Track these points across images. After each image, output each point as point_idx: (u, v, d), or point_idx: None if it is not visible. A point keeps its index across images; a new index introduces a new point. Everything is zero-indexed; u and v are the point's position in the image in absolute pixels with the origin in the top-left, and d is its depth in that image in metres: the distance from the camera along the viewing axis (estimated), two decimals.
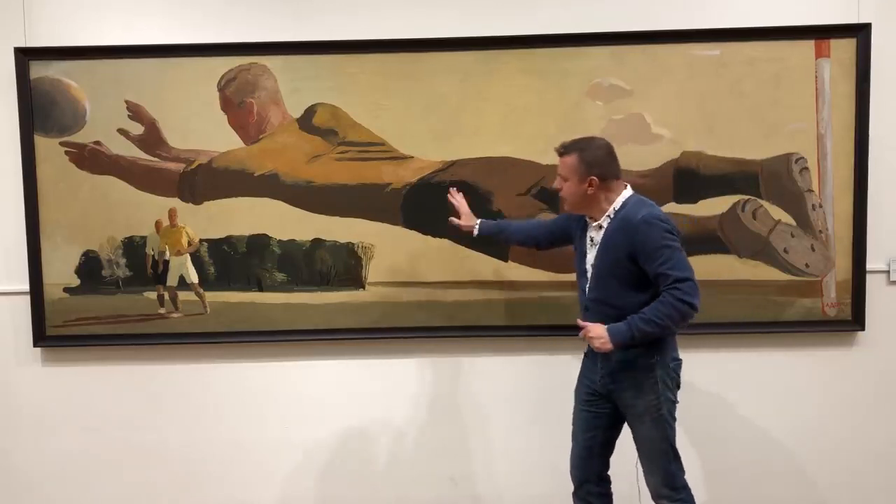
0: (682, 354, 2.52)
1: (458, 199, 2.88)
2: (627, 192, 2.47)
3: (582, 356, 2.66)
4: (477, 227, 2.83)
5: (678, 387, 2.49)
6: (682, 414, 3.13)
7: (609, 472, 2.66)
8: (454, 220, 2.86)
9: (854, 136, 2.99)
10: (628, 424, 2.54)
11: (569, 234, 2.64)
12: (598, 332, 2.37)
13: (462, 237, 3.01)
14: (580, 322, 2.46)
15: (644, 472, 2.53)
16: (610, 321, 2.39)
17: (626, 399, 2.48)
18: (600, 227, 2.46)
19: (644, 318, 2.32)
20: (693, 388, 3.14)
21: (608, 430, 2.60)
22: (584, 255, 2.53)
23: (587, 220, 2.53)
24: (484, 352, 3.14)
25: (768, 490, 3.17)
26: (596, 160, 2.42)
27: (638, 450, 2.54)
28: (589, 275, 2.50)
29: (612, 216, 2.44)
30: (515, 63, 3.01)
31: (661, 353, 2.43)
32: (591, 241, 2.50)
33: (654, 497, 2.53)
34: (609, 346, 2.36)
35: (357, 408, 3.18)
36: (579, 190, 2.44)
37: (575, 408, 2.65)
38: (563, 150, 2.48)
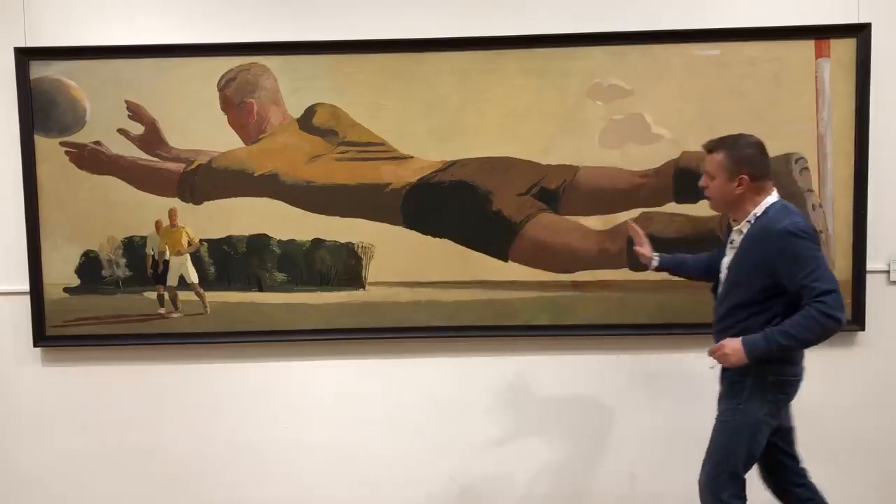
0: (681, 354, 2.52)
1: (638, 229, 2.77)
2: (773, 196, 2.37)
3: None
4: (657, 258, 2.72)
5: (774, 404, 2.37)
6: (682, 413, 3.14)
7: (805, 477, 2.59)
8: (638, 248, 2.74)
9: (854, 136, 2.99)
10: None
11: None
12: (734, 346, 2.28)
13: (462, 237, 3.02)
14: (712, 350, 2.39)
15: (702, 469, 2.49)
16: (733, 330, 2.34)
17: (719, 398, 2.47)
18: (740, 231, 2.38)
19: (783, 332, 2.22)
20: (693, 388, 3.14)
21: (769, 443, 2.47)
22: (722, 258, 2.47)
23: (731, 222, 2.48)
24: (484, 352, 3.13)
25: (768, 490, 3.16)
26: (747, 158, 2.33)
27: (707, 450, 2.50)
28: (722, 278, 2.44)
29: (752, 221, 2.35)
30: (515, 63, 3.01)
31: (767, 363, 2.32)
32: (731, 243, 2.43)
33: (700, 492, 2.51)
34: (745, 359, 2.27)
35: (357, 408, 3.18)
36: (727, 188, 2.35)
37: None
38: (710, 148, 2.39)
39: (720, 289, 2.46)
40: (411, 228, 3.07)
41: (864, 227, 3.02)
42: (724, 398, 2.45)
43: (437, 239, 3.07)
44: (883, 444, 3.15)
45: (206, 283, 3.13)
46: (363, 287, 3.10)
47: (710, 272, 2.61)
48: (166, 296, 3.13)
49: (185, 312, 3.13)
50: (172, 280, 3.13)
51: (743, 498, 2.45)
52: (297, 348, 3.15)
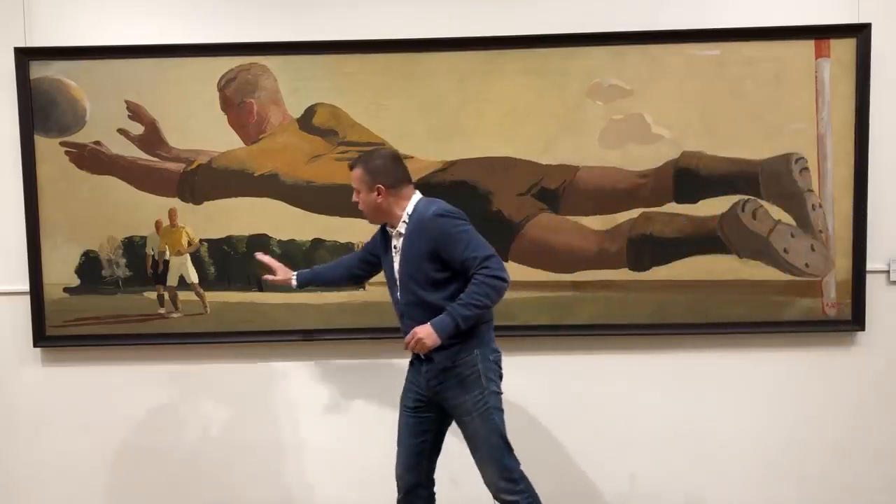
0: (681, 354, 2.52)
1: (266, 258, 2.81)
2: (417, 196, 2.52)
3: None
4: (294, 278, 2.78)
5: (501, 378, 2.53)
6: (682, 413, 3.14)
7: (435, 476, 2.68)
8: (269, 277, 2.80)
9: (854, 136, 2.99)
10: (457, 424, 2.54)
11: (378, 253, 2.66)
12: (425, 331, 2.37)
13: None
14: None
15: (480, 469, 2.53)
16: (425, 322, 2.40)
17: (452, 398, 2.49)
18: (400, 233, 2.50)
19: (463, 304, 2.36)
20: (693, 388, 3.14)
21: (437, 433, 2.62)
22: (392, 264, 2.56)
23: (388, 229, 2.57)
24: None
25: (768, 490, 3.17)
26: (378, 169, 2.48)
27: (470, 448, 2.53)
28: (398, 282, 2.53)
29: (407, 221, 2.48)
30: (515, 63, 3.01)
31: (480, 347, 2.47)
32: (395, 248, 2.54)
33: (493, 494, 2.53)
34: (438, 339, 2.37)
35: (357, 408, 3.18)
36: (370, 199, 2.49)
37: (401, 414, 2.64)
38: (351, 165, 2.55)
39: (399, 293, 2.53)
40: None
41: (864, 227, 3.02)
42: (461, 394, 2.47)
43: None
44: (883, 445, 3.15)
45: (206, 283, 3.13)
46: (363, 287, 3.10)
47: (352, 271, 2.77)
48: (166, 296, 3.13)
49: (185, 312, 3.13)
50: (172, 280, 3.13)
51: (518, 461, 2.54)
52: (297, 348, 3.15)
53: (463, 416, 2.50)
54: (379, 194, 2.48)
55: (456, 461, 3.19)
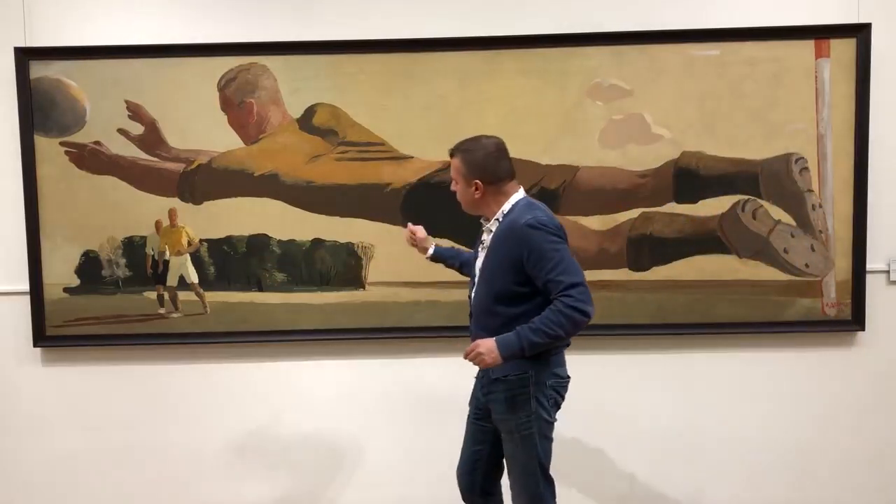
0: (681, 354, 2.51)
1: (411, 227, 2.73)
2: (519, 194, 2.36)
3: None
4: (432, 248, 2.70)
5: (557, 407, 2.35)
6: (682, 413, 3.14)
7: (498, 490, 2.55)
8: (412, 228, 2.71)
9: (854, 136, 2.99)
10: (502, 439, 2.39)
11: None
12: (488, 346, 2.20)
13: (462, 237, 3.02)
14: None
15: (511, 491, 2.38)
16: (491, 331, 2.27)
17: (498, 412, 2.35)
18: (490, 230, 2.37)
19: (533, 328, 2.17)
20: (693, 388, 3.14)
21: (493, 444, 2.46)
22: (476, 259, 2.43)
23: (482, 221, 2.43)
24: None
25: (768, 490, 3.17)
26: (478, 163, 2.32)
27: (507, 469, 2.41)
28: (476, 281, 2.40)
29: (500, 220, 2.33)
30: (515, 63, 3.01)
31: (536, 368, 2.28)
32: (482, 244, 2.40)
33: None
34: (500, 358, 2.20)
35: (357, 408, 3.18)
36: (467, 193, 2.36)
37: (468, 418, 2.54)
38: (451, 152, 2.40)
39: (474, 290, 2.41)
40: None
41: (864, 227, 3.02)
42: (506, 412, 2.32)
43: (438, 239, 3.06)
44: (883, 444, 3.15)
45: (206, 283, 3.13)
46: (363, 287, 3.10)
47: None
48: (166, 296, 3.13)
49: (185, 312, 3.13)
50: (172, 280, 3.13)
51: (555, 496, 2.41)
52: (297, 348, 3.15)
53: (505, 434, 2.36)
54: (476, 189, 2.32)
55: (456, 461, 3.20)
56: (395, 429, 3.19)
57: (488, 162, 2.33)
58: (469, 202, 2.39)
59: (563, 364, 2.37)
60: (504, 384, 2.32)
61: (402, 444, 3.19)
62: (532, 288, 2.26)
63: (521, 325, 2.21)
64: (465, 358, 2.27)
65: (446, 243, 3.06)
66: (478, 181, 2.32)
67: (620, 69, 3.01)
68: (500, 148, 2.36)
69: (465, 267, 2.67)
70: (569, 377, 2.38)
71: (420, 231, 2.72)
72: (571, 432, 3.15)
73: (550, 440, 2.35)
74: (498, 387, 2.33)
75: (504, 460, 2.44)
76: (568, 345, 2.37)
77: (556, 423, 2.35)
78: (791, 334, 3.08)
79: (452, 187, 2.42)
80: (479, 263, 2.40)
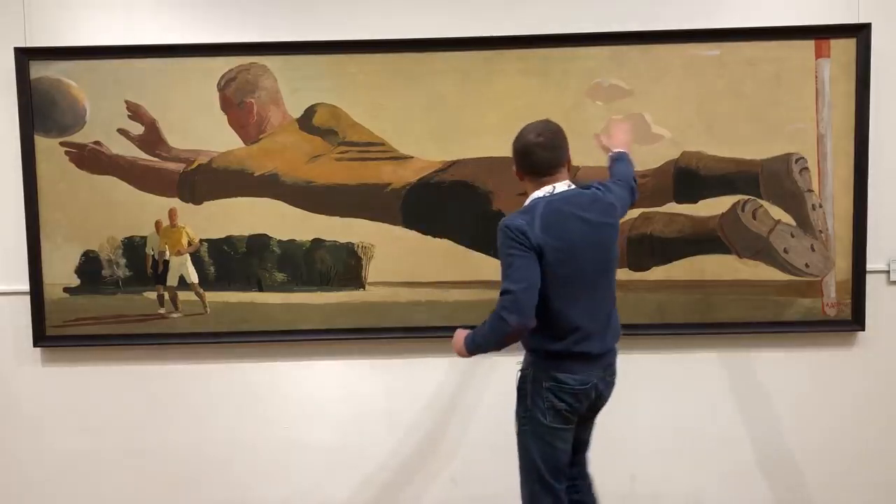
0: (681, 354, 2.50)
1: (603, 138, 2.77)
2: (543, 191, 2.32)
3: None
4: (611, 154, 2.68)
5: (555, 411, 2.32)
6: (682, 413, 3.14)
7: (583, 475, 2.61)
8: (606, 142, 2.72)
9: (854, 136, 2.99)
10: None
11: None
12: (458, 336, 2.37)
13: (462, 237, 3.02)
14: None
15: None
16: None
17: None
18: None
19: (474, 330, 2.30)
20: (693, 388, 3.14)
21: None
22: None
23: None
24: None
25: (767, 490, 3.17)
26: (515, 152, 2.35)
27: None
28: None
29: None
30: (515, 63, 3.01)
31: (535, 367, 2.35)
32: None
33: None
34: (462, 349, 2.35)
35: (357, 408, 3.18)
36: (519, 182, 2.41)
37: None
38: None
39: None
40: (411, 228, 3.07)
41: (864, 227, 3.02)
42: (516, 407, 2.42)
43: (437, 239, 3.07)
44: (883, 445, 3.15)
45: (206, 283, 3.13)
46: (363, 287, 3.10)
47: None
48: (166, 296, 3.13)
49: (185, 312, 3.13)
50: (172, 280, 3.13)
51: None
52: (297, 348, 3.15)
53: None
54: (520, 178, 2.38)
55: (456, 461, 3.20)
56: (396, 429, 3.19)
57: (520, 155, 2.34)
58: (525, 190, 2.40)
59: (568, 371, 2.32)
60: (518, 376, 2.41)
61: (403, 445, 3.19)
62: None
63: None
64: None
65: (447, 244, 3.06)
66: (515, 170, 2.37)
67: (620, 69, 3.01)
68: (537, 142, 2.30)
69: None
70: (573, 385, 2.32)
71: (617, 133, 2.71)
72: None
73: (549, 444, 2.34)
74: (518, 374, 2.42)
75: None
76: (568, 348, 2.31)
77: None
78: (791, 334, 3.08)
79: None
80: None
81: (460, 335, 2.38)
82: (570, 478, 2.53)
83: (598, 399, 2.42)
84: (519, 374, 2.41)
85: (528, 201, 2.34)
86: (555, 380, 2.32)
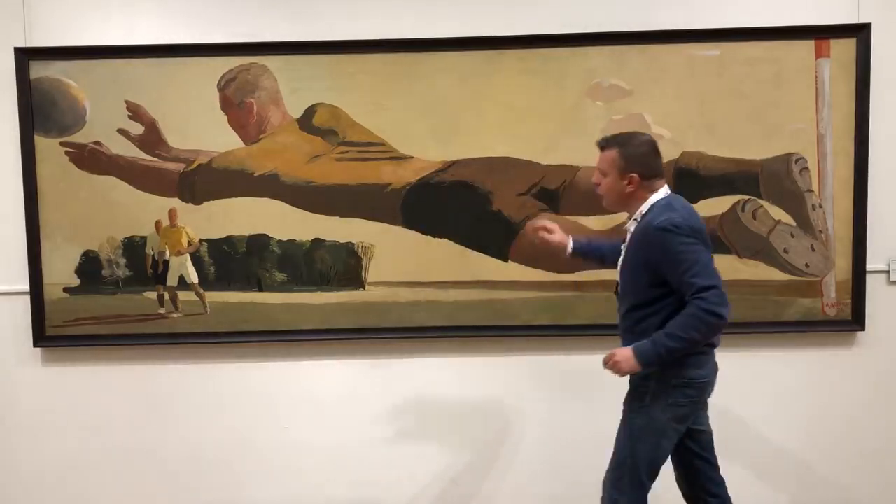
0: None
1: (542, 223, 2.68)
2: (660, 193, 2.34)
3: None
4: (570, 244, 2.62)
5: (678, 406, 2.30)
6: None
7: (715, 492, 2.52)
8: (545, 234, 2.63)
9: (854, 136, 2.99)
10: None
11: None
12: (624, 354, 2.24)
13: (462, 237, 3.02)
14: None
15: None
16: (626, 329, 2.33)
17: (625, 401, 2.42)
18: (628, 230, 2.39)
19: (668, 334, 2.19)
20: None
21: (679, 445, 2.41)
22: (620, 255, 2.44)
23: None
24: (484, 352, 3.13)
25: (768, 490, 3.17)
26: (638, 157, 2.32)
27: None
28: (618, 283, 2.42)
29: (638, 219, 2.35)
30: (515, 63, 3.01)
31: (662, 367, 2.28)
32: (624, 243, 2.41)
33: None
34: (637, 367, 2.23)
35: (357, 408, 3.18)
36: (618, 186, 2.34)
37: None
38: (602, 145, 2.39)
39: (619, 294, 2.43)
40: (411, 228, 3.07)
41: (864, 227, 3.02)
42: (628, 400, 2.40)
43: (437, 239, 3.07)
44: (883, 444, 3.15)
45: (206, 283, 3.13)
46: (363, 287, 3.10)
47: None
48: (166, 296, 3.13)
49: (185, 312, 3.13)
50: (172, 280, 3.13)
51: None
52: (297, 348, 3.15)
53: (621, 419, 2.40)
54: (630, 183, 2.31)
55: (456, 461, 3.20)
56: (396, 429, 3.19)
57: (648, 157, 2.34)
58: (617, 197, 2.37)
59: (697, 366, 2.30)
60: (635, 375, 2.33)
61: (403, 444, 3.19)
62: (666, 289, 2.26)
63: (657, 332, 2.22)
64: (605, 366, 2.30)
65: (447, 244, 3.06)
66: (634, 175, 2.31)
67: (620, 69, 3.01)
68: (655, 145, 2.37)
69: (607, 261, 2.63)
70: (704, 377, 2.32)
71: (555, 229, 2.63)
72: (571, 432, 3.15)
73: (655, 443, 2.31)
74: (632, 376, 2.36)
75: (697, 460, 2.45)
76: (714, 346, 2.34)
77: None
78: (791, 334, 3.08)
79: (596, 180, 2.41)
80: (619, 263, 2.42)
81: (624, 352, 2.25)
82: (713, 494, 2.50)
83: (712, 389, 2.41)
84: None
85: (656, 200, 2.32)
86: (683, 376, 2.29)
